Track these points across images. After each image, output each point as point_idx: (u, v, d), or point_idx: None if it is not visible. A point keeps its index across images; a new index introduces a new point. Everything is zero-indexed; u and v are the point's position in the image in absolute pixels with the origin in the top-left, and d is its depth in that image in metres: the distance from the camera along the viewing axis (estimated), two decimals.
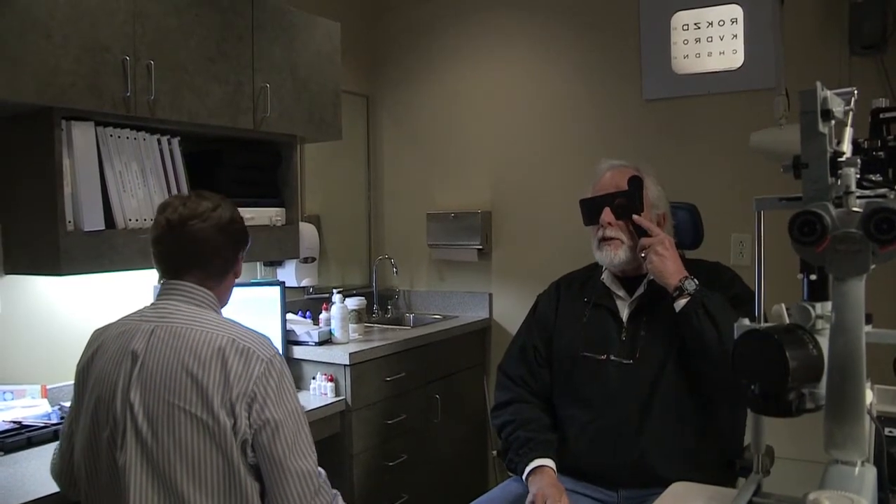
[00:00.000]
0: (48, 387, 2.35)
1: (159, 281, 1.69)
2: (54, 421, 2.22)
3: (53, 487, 1.77)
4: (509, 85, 3.67)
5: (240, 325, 1.59)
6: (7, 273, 2.27)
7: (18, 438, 2.09)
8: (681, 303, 1.92)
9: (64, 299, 2.47)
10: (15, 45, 1.93)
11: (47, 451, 1.81)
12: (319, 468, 1.59)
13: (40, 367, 2.38)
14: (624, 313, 2.09)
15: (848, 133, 1.18)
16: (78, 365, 1.65)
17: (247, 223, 2.61)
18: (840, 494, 1.04)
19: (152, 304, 1.64)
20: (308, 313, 3.18)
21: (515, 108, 3.66)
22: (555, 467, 2.01)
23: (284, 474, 1.49)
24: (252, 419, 1.48)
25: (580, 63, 3.47)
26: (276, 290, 2.87)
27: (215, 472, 1.46)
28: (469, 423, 3.60)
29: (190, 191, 2.01)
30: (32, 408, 2.26)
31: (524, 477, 2.01)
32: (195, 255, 1.63)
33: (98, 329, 1.68)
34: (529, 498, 1.93)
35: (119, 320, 1.65)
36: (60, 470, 1.68)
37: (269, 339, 1.58)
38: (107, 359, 1.56)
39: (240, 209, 2.61)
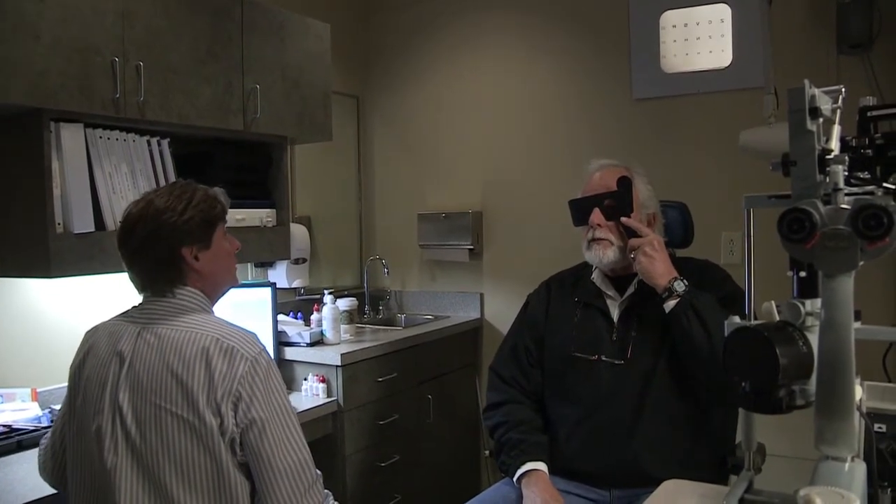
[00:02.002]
0: (38, 390, 2.34)
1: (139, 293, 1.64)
2: (45, 424, 2.21)
3: (44, 491, 1.78)
4: (499, 85, 3.68)
5: (226, 323, 1.56)
6: None
7: (8, 442, 2.08)
8: (670, 304, 1.93)
9: (54, 302, 2.46)
10: (3, 47, 1.92)
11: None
12: (317, 470, 1.57)
13: (30, 371, 2.37)
14: (614, 313, 2.09)
15: (836, 131, 1.18)
16: (71, 366, 1.64)
17: (238, 224, 2.63)
18: (831, 490, 1.04)
19: (139, 306, 1.60)
20: (299, 314, 3.18)
21: (506, 109, 3.66)
22: (547, 470, 2.01)
23: (273, 473, 1.47)
24: (238, 418, 1.46)
25: (570, 63, 3.48)
26: (267, 291, 2.87)
27: (204, 472, 1.45)
28: (461, 423, 3.61)
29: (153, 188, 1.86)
30: (22, 411, 2.25)
31: (516, 479, 2.02)
32: (148, 271, 1.58)
33: (90, 329, 1.67)
34: None
35: (109, 320, 1.64)
36: (52, 468, 1.67)
37: (255, 336, 1.55)
38: (97, 360, 1.55)
39: (230, 210, 2.57)
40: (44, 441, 1.72)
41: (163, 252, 1.56)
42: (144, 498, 1.44)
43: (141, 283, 1.61)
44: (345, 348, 2.90)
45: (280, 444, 1.49)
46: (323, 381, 2.80)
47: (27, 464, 1.98)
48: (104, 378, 1.51)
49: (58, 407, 2.08)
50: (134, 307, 1.62)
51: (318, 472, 1.58)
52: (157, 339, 1.50)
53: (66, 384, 1.65)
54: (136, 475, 1.45)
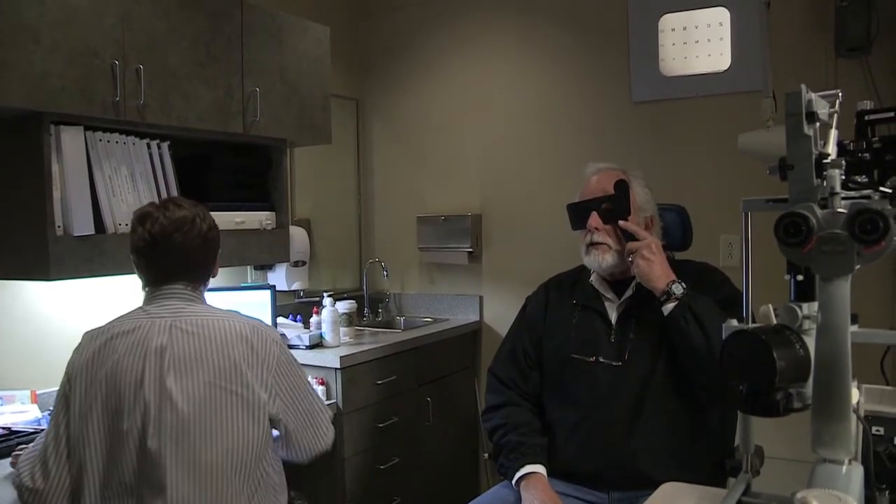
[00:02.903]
0: (38, 392, 2.34)
1: (144, 288, 1.80)
2: (44, 427, 2.21)
3: None
4: (499, 88, 3.68)
5: (241, 313, 1.81)
6: None
7: (8, 445, 2.08)
8: (668, 307, 1.93)
9: (54, 304, 2.46)
10: (3, 50, 1.92)
11: None
12: (329, 416, 1.95)
13: (30, 373, 2.37)
14: (612, 315, 2.09)
15: (833, 135, 1.19)
16: (73, 367, 1.68)
17: (237, 227, 2.68)
18: (828, 493, 1.05)
19: (157, 305, 1.74)
20: (299, 317, 3.18)
21: (505, 111, 3.67)
22: (545, 473, 2.01)
23: (302, 429, 1.82)
24: (281, 388, 1.76)
25: (569, 66, 3.48)
26: (267, 293, 2.87)
27: (247, 440, 1.67)
28: (460, 425, 3.61)
29: (165, 198, 2.12)
30: (22, 413, 2.25)
31: (514, 482, 2.02)
32: (179, 267, 1.77)
33: (91, 330, 1.73)
34: None
35: (117, 320, 1.74)
36: (50, 481, 1.66)
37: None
38: (120, 355, 1.65)
39: (230, 213, 2.65)
40: (23, 469, 1.70)
41: (213, 253, 1.83)
42: (188, 473, 1.60)
43: (160, 276, 1.76)
44: (344, 351, 2.90)
45: (306, 405, 1.83)
46: (322, 383, 2.80)
47: None
48: (138, 370, 1.63)
49: None
50: (147, 307, 1.75)
51: (330, 419, 1.96)
52: (195, 328, 1.69)
53: None
54: (182, 453, 1.60)
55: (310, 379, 2.78)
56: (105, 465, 1.62)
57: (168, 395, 1.61)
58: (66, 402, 1.68)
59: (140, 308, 1.76)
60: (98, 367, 1.65)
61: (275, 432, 1.81)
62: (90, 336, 1.73)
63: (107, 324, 1.75)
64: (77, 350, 1.73)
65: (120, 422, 1.61)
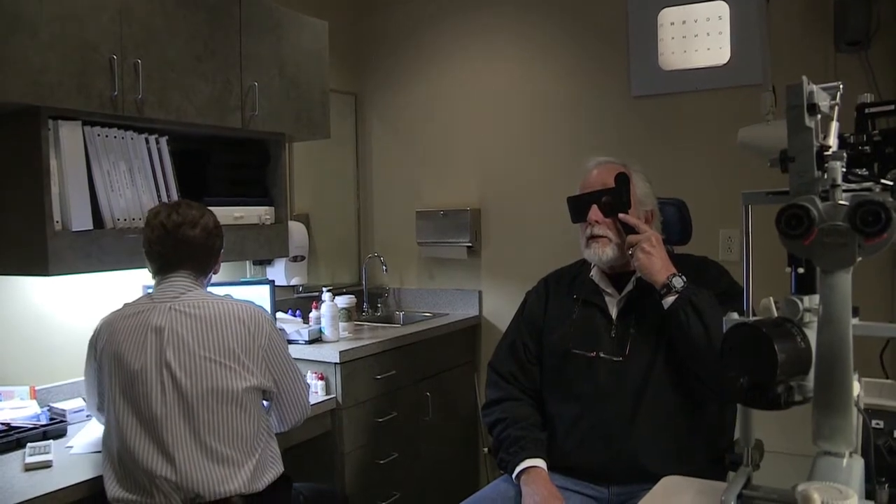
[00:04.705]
0: (37, 388, 2.34)
1: (154, 277, 2.00)
2: (43, 422, 2.21)
3: (43, 489, 1.80)
4: (498, 82, 3.67)
5: (233, 297, 2.03)
6: None
7: (8, 440, 2.08)
8: (668, 300, 1.92)
9: (52, 300, 2.46)
10: (1, 45, 1.91)
11: None
12: (307, 385, 2.20)
13: (29, 369, 2.37)
14: (613, 310, 2.09)
15: (834, 127, 1.18)
16: (96, 347, 1.94)
17: (236, 222, 2.69)
18: (828, 485, 1.05)
19: (160, 290, 1.95)
20: (298, 312, 3.18)
21: (504, 106, 3.66)
22: (546, 467, 2.01)
23: (289, 404, 2.08)
24: (273, 364, 1.99)
25: (568, 60, 3.48)
26: (266, 288, 2.87)
27: (234, 406, 1.87)
28: (460, 420, 3.61)
29: (179, 197, 2.40)
30: (21, 409, 2.25)
31: (515, 476, 2.02)
32: (188, 255, 1.97)
33: (105, 319, 1.97)
34: None
35: (128, 305, 1.97)
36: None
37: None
38: (123, 337, 1.88)
39: (229, 208, 2.70)
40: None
41: (213, 245, 2.02)
42: (186, 429, 1.82)
43: (169, 264, 1.97)
44: (343, 346, 2.90)
45: (293, 379, 2.08)
46: (321, 378, 2.80)
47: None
48: (141, 347, 1.86)
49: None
50: (151, 293, 1.97)
51: (308, 385, 2.26)
52: (192, 308, 1.90)
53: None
54: (182, 415, 1.82)
55: (309, 374, 2.82)
56: (127, 429, 1.84)
57: (168, 366, 1.83)
58: (94, 371, 1.96)
59: (146, 295, 1.99)
60: (108, 350, 1.89)
61: (265, 403, 2.04)
62: (105, 323, 1.96)
63: (119, 309, 1.98)
64: (98, 335, 1.95)
65: (132, 392, 1.84)
